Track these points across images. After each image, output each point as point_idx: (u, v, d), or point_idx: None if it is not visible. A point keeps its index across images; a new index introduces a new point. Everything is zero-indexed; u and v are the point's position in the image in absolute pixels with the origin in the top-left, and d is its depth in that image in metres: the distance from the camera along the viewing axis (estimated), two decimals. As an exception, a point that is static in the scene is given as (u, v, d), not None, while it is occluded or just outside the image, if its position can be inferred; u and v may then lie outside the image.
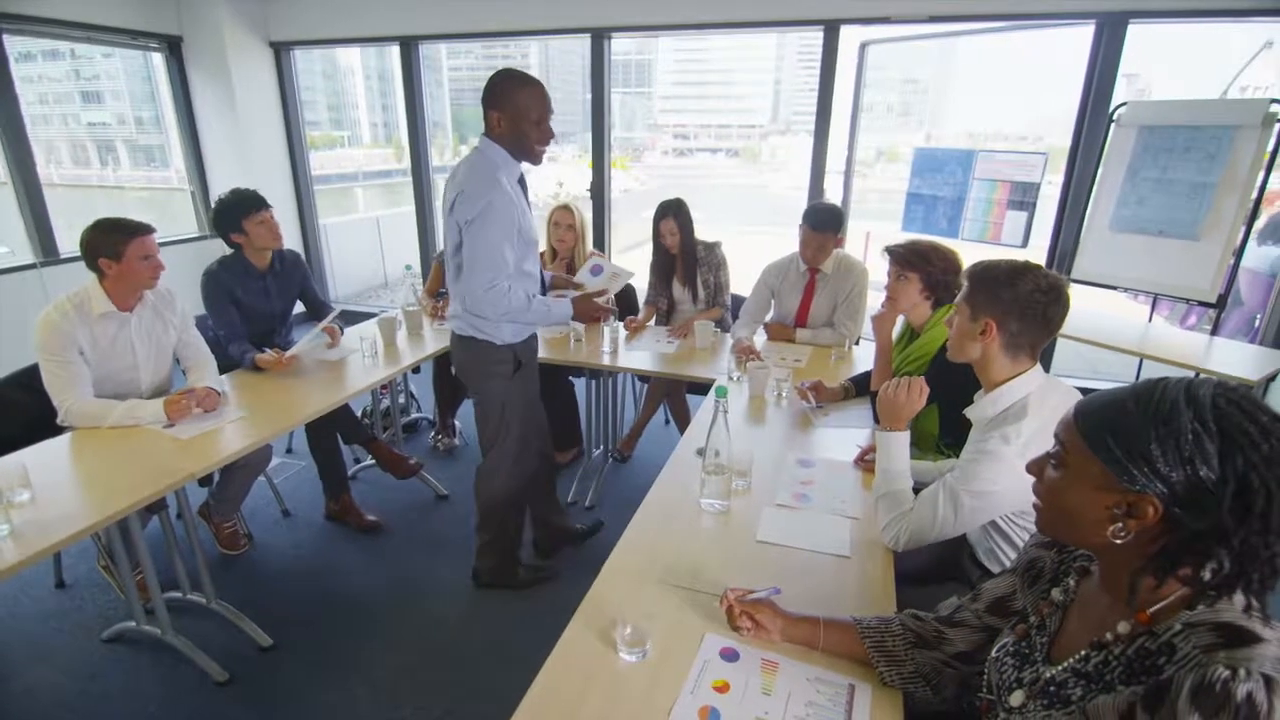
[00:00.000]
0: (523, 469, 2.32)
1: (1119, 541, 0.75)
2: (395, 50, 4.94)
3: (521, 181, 2.07)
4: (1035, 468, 0.87)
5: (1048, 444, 0.85)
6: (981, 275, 1.41)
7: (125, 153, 7.73)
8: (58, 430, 2.06)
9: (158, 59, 5.04)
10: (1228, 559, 0.71)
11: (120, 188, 7.91)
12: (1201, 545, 0.72)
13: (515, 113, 1.90)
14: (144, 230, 2.12)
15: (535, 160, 2.01)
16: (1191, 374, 0.78)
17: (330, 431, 2.79)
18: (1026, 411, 1.33)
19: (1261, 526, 0.68)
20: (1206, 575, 0.72)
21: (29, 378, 2.16)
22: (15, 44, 4.01)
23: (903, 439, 1.55)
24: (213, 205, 2.65)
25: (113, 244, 2.08)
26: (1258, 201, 2.99)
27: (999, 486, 1.31)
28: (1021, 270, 1.37)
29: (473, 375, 2.22)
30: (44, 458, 1.89)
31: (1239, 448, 0.68)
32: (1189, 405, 0.71)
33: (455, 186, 1.95)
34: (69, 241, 4.28)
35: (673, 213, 3.13)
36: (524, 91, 1.90)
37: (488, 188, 1.89)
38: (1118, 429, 0.74)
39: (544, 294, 2.26)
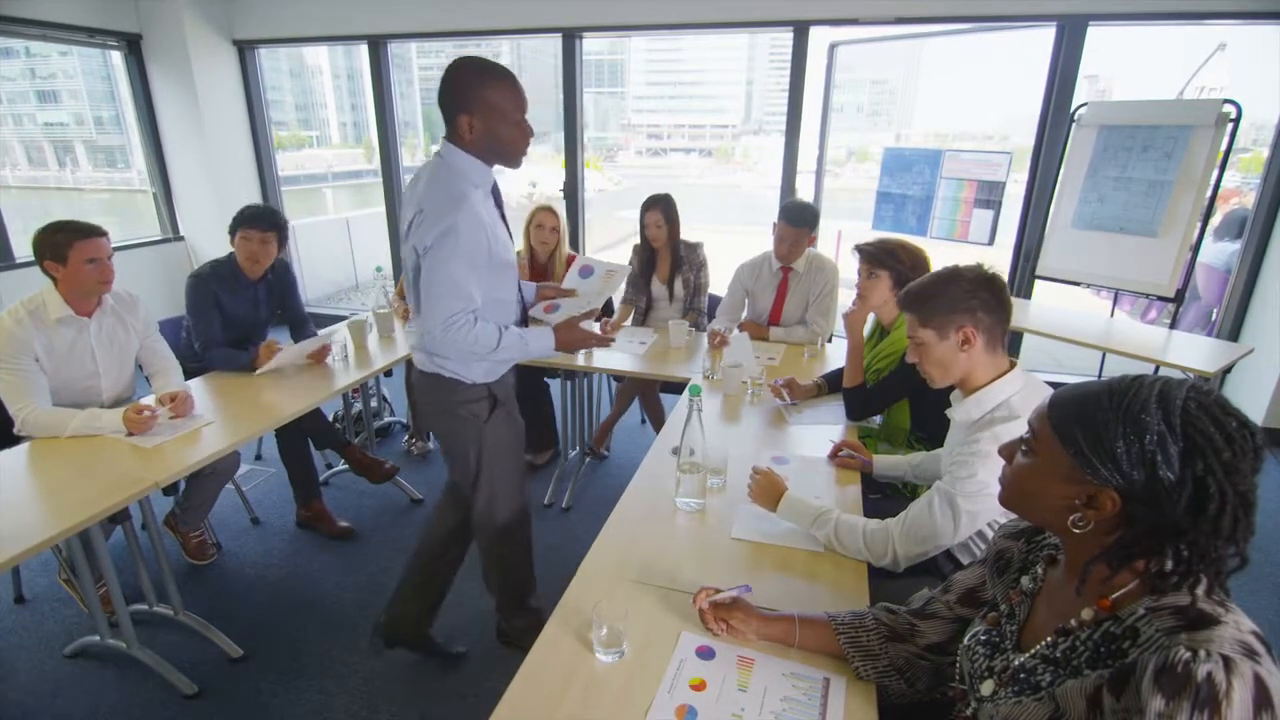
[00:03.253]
0: (523, 499, 2.00)
1: (1077, 531, 0.78)
2: (364, 49, 4.87)
3: (495, 191, 1.76)
4: (1006, 451, 0.90)
5: None
6: (927, 293, 1.43)
7: (84, 153, 7.53)
8: (15, 440, 2.00)
9: (116, 57, 4.90)
10: (1179, 556, 0.73)
11: (79, 190, 7.70)
12: (1155, 541, 0.74)
13: (489, 114, 1.59)
14: (90, 233, 2.06)
15: (516, 164, 1.71)
16: (1153, 368, 0.81)
17: (301, 437, 2.74)
18: (1016, 411, 1.36)
19: (1212, 529, 0.71)
20: (1160, 568, 0.75)
21: (-17, 386, 2.09)
22: (-35, 42, 3.88)
23: (787, 506, 1.53)
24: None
25: (56, 246, 2.02)
26: (1212, 199, 3.08)
27: (995, 488, 1.33)
28: (949, 272, 1.44)
29: (437, 418, 1.86)
30: (1, 468, 1.83)
31: (1200, 452, 0.70)
32: (1159, 406, 0.73)
33: (414, 203, 1.62)
34: (24, 246, 4.13)
35: (660, 205, 3.13)
36: (496, 87, 1.58)
37: (450, 207, 1.56)
38: (1086, 423, 0.77)
39: (525, 312, 1.94)
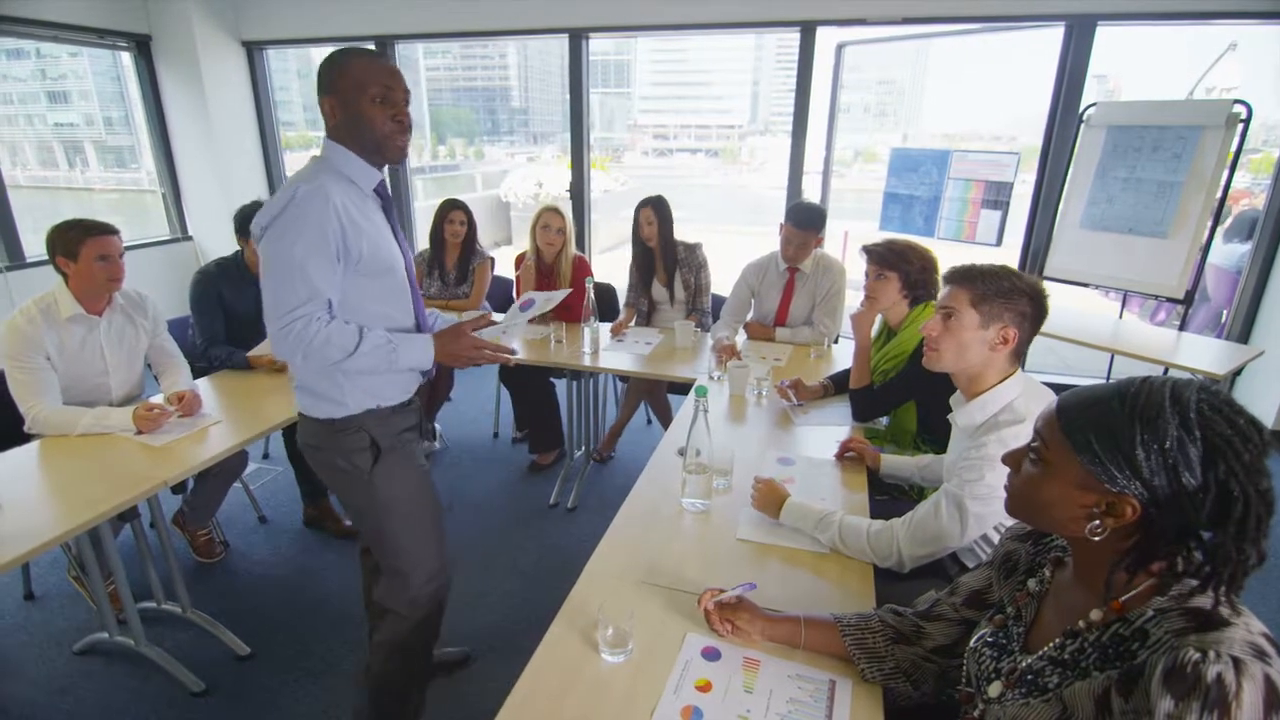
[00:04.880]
0: (439, 565, 1.68)
1: (1095, 538, 0.77)
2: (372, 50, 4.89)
3: (384, 195, 1.53)
4: (1012, 460, 0.88)
5: None
6: (990, 277, 1.40)
7: (94, 154, 7.57)
8: (26, 438, 2.01)
9: (126, 58, 4.93)
10: (1201, 559, 0.72)
11: (89, 189, 7.74)
12: (1176, 545, 0.73)
13: (348, 92, 1.40)
14: (102, 230, 2.07)
15: (395, 156, 1.49)
16: (1162, 369, 0.80)
17: (308, 436, 2.75)
18: (1022, 415, 1.35)
19: (1237, 532, 0.70)
20: (1179, 569, 0.74)
21: (-6, 385, 2.11)
22: (-23, 43, 3.91)
23: (789, 511, 1.53)
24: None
25: (68, 243, 2.03)
26: (1222, 200, 3.06)
27: (1002, 491, 1.32)
28: (1012, 270, 1.41)
29: (320, 466, 1.60)
30: (11, 466, 1.84)
31: (1221, 455, 0.70)
32: (1174, 409, 0.72)
33: None
34: (35, 245, 4.17)
35: (652, 204, 3.15)
36: (355, 64, 1.41)
37: (292, 186, 1.37)
38: (1102, 430, 0.75)
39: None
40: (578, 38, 4.39)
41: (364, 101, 1.41)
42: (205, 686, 2.02)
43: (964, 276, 1.44)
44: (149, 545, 2.26)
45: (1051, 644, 0.83)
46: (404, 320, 1.56)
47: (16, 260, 4.16)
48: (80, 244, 2.03)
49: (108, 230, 2.08)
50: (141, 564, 2.26)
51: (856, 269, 2.42)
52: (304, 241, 1.34)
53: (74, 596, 2.41)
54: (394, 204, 1.60)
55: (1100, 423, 0.75)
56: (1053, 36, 3.64)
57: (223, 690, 2.04)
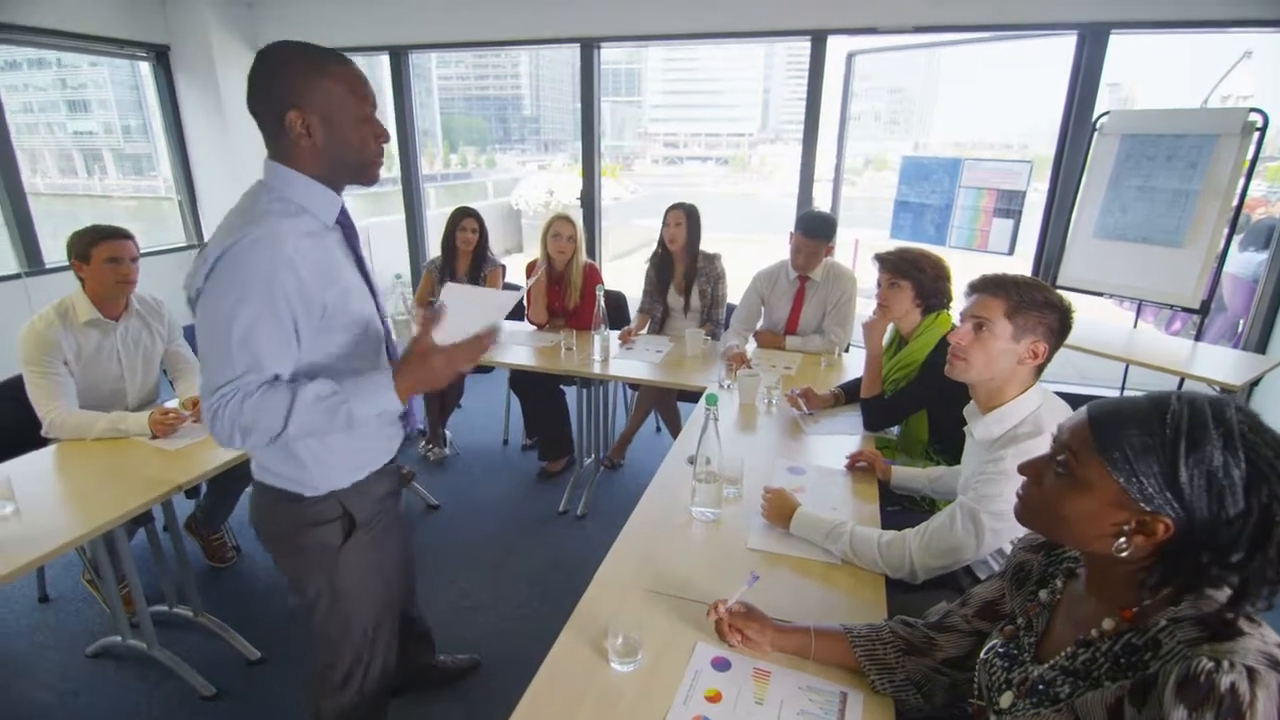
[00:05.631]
0: (370, 685, 1.48)
1: (1121, 554, 0.75)
2: (385, 59, 4.94)
3: (346, 224, 1.26)
4: (1032, 470, 0.86)
5: None
6: (1027, 288, 1.38)
7: (112, 161, 7.69)
8: (43, 442, 2.04)
9: (145, 68, 5.01)
10: (1233, 579, 0.71)
11: (107, 197, 7.86)
12: (1209, 564, 0.72)
13: (329, 109, 1.15)
14: (114, 234, 2.10)
15: (371, 177, 1.24)
16: (1178, 380, 0.79)
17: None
18: (1041, 429, 1.33)
19: (1278, 555, 0.69)
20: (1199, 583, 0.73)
21: (13, 389, 2.14)
22: (1, 52, 3.98)
23: (799, 522, 1.53)
24: None
25: (81, 246, 2.07)
26: (1238, 208, 3.03)
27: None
28: (1050, 289, 1.40)
29: (275, 544, 1.38)
30: (29, 470, 1.86)
31: (1265, 479, 0.68)
32: (1218, 431, 0.70)
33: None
34: (54, 251, 4.23)
35: (685, 208, 3.13)
36: (335, 71, 1.15)
37: (235, 228, 1.10)
38: (1143, 450, 0.73)
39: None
40: (589, 47, 4.42)
41: (351, 121, 1.17)
42: (216, 690, 2.03)
43: (997, 285, 1.40)
44: (162, 549, 2.28)
45: (1063, 653, 0.83)
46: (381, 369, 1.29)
47: (36, 266, 4.22)
48: (92, 247, 2.07)
49: (119, 234, 2.11)
50: (154, 568, 2.27)
51: (867, 277, 2.41)
52: (247, 303, 1.07)
53: (87, 599, 2.44)
54: (356, 232, 1.30)
55: (1141, 442, 0.73)
56: (1065, 44, 3.62)
57: (233, 695, 2.04)
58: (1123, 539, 0.75)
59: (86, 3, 4.31)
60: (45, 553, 1.51)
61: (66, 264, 2.11)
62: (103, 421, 2.03)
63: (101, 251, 2.08)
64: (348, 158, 1.19)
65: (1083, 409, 0.81)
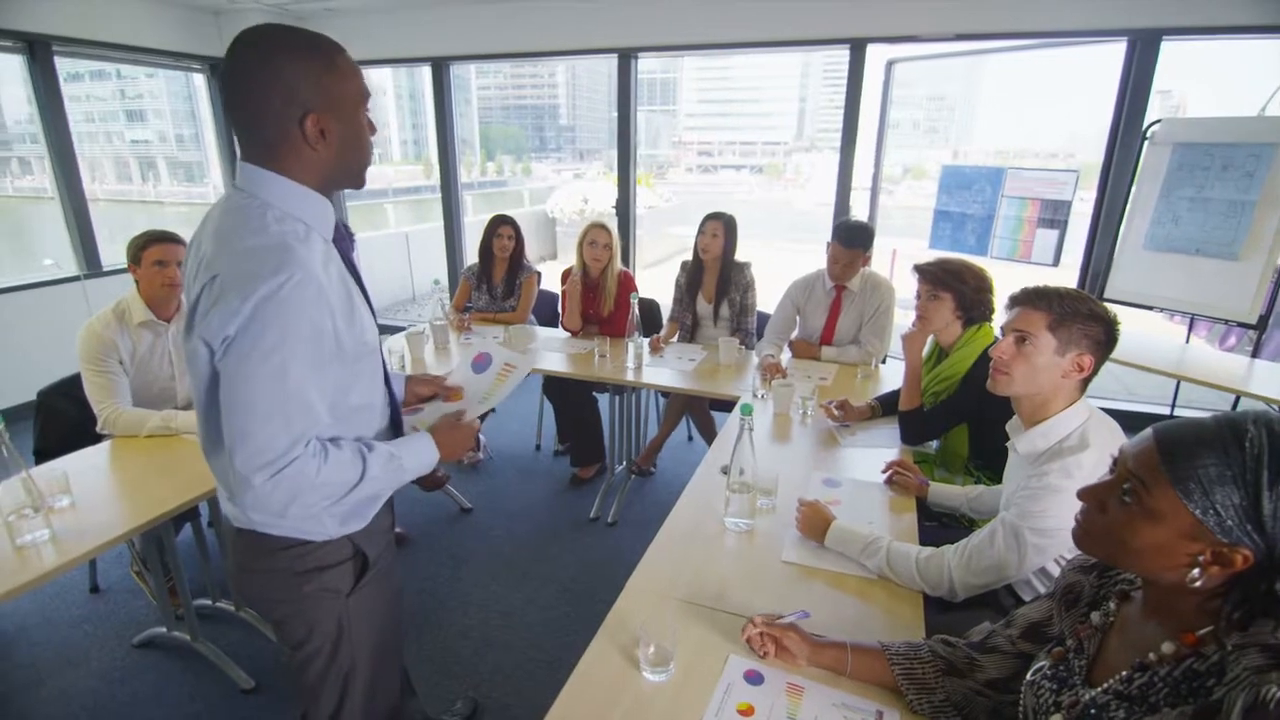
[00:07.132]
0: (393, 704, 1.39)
1: (1194, 585, 0.72)
2: (426, 70, 5.05)
3: (342, 235, 1.12)
4: (1093, 496, 0.82)
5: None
6: (1070, 299, 1.35)
7: (165, 169, 8.00)
8: (98, 438, 2.12)
9: (199, 79, 5.21)
10: None
11: (160, 203, 8.18)
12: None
13: (344, 106, 1.03)
14: (163, 238, 2.18)
15: (364, 182, 1.12)
16: (1233, 398, 0.76)
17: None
18: (1088, 443, 1.30)
19: None
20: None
21: (71, 386, 2.23)
22: (65, 65, 4.17)
23: (835, 535, 1.50)
24: None
25: (135, 249, 2.16)
26: (1299, 221, 2.91)
27: (1065, 523, 1.28)
28: (1089, 296, 1.37)
29: (271, 593, 1.19)
30: (84, 465, 1.93)
31: None
32: None
33: (203, 269, 0.97)
34: (112, 254, 4.42)
35: (723, 220, 3.12)
36: (341, 69, 1.03)
37: (267, 269, 0.93)
38: (1220, 480, 0.69)
39: (397, 415, 1.27)
40: (627, 57, 4.45)
41: (361, 116, 1.05)
42: (255, 684, 2.08)
43: (1039, 297, 1.37)
44: (207, 544, 2.35)
45: (1118, 677, 0.80)
46: (380, 405, 1.21)
47: (94, 269, 4.41)
48: (142, 250, 2.15)
49: (168, 238, 2.19)
50: (199, 562, 2.34)
51: (905, 288, 2.37)
52: (298, 357, 0.95)
53: (135, 591, 2.52)
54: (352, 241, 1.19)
55: (1218, 472, 0.69)
56: (1112, 51, 3.53)
57: (271, 689, 2.09)
58: (1196, 569, 0.71)
59: (145, 17, 4.51)
60: (99, 544, 1.56)
61: (125, 267, 2.20)
62: (154, 419, 2.10)
63: (151, 254, 2.16)
64: (355, 163, 1.07)
65: (1147, 432, 0.77)
